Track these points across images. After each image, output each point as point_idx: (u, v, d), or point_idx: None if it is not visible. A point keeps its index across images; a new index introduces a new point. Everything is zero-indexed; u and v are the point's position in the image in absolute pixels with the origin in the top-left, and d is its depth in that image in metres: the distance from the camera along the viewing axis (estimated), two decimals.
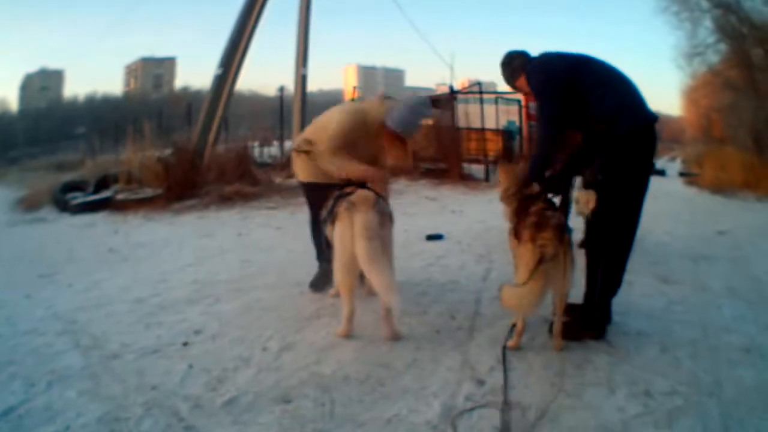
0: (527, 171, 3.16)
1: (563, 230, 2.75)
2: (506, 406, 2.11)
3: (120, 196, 8.58)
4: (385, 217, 3.07)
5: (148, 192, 8.66)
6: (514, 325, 2.82)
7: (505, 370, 2.47)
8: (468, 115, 13.14)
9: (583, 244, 3.61)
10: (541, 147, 3.08)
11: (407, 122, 3.48)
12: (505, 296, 2.62)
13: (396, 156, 3.74)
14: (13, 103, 76.65)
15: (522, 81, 3.23)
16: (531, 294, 2.57)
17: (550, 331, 2.90)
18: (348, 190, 3.15)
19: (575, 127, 3.07)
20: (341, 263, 2.95)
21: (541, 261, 2.60)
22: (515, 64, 3.25)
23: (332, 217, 3.10)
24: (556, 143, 3.05)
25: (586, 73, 2.97)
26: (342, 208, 3.01)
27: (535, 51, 3.24)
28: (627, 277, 2.99)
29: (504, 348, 2.67)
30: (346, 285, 2.99)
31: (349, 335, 3.04)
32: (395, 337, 3.00)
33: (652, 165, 3.01)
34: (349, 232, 2.89)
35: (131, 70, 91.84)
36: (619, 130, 2.81)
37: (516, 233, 2.89)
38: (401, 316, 3.32)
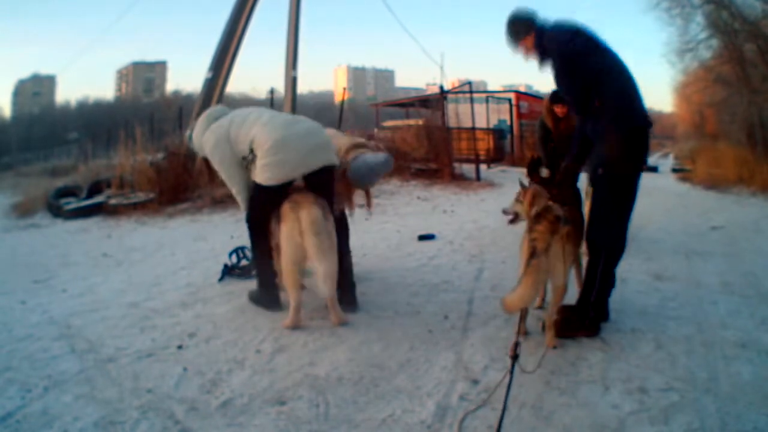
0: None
1: (558, 224, 2.77)
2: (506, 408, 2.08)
3: (113, 201, 8.55)
4: (327, 212, 3.19)
5: (141, 196, 8.63)
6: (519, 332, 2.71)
7: (512, 376, 2.27)
8: (458, 114, 13.17)
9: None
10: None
11: (364, 177, 3.66)
12: (507, 301, 2.61)
13: (341, 193, 3.75)
14: (6, 109, 76.68)
15: (529, 41, 3.13)
16: (527, 287, 2.58)
17: (543, 329, 2.91)
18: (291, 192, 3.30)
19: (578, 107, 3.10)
20: (289, 258, 3.13)
21: (532, 255, 2.63)
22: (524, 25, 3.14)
23: (277, 217, 3.27)
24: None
25: (600, 55, 2.96)
26: (286, 207, 3.18)
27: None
28: (621, 274, 3.00)
29: (513, 358, 2.34)
30: (293, 278, 3.17)
31: (297, 326, 3.17)
32: (342, 322, 3.20)
33: (644, 161, 3.06)
34: (296, 228, 3.09)
35: (122, 75, 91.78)
36: (622, 128, 2.85)
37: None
38: (394, 316, 3.35)
